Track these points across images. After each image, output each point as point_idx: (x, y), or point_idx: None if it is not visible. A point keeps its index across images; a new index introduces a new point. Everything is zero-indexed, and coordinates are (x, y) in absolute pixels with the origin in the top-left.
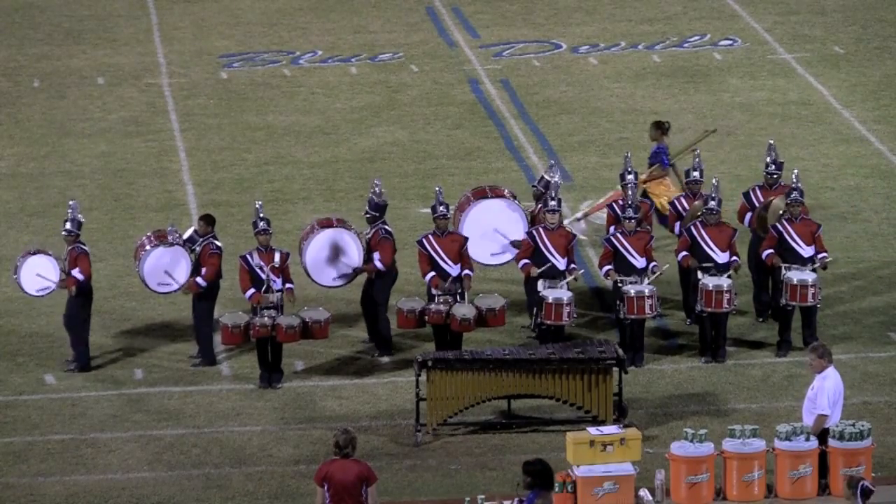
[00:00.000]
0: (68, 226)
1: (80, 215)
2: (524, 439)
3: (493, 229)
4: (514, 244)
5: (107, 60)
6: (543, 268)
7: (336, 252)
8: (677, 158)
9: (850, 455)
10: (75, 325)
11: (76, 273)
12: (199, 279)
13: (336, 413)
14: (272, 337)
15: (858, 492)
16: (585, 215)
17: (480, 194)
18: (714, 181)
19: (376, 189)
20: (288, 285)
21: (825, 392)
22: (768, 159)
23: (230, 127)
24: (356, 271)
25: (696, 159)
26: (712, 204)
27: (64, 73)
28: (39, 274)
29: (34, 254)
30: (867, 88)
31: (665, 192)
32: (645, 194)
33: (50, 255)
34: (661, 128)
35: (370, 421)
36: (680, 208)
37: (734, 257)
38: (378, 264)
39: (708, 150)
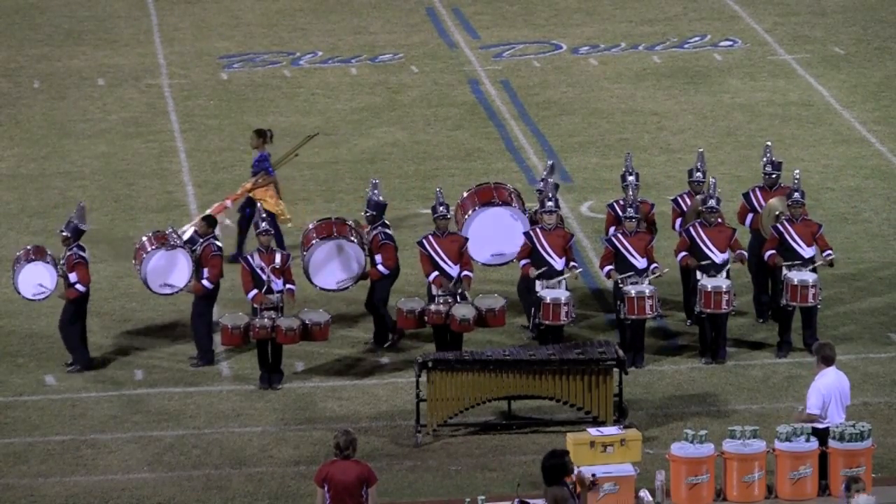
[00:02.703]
0: (65, 231)
1: (85, 221)
2: (524, 440)
3: (492, 254)
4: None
5: (107, 61)
6: (542, 269)
7: (339, 257)
8: (280, 165)
9: (851, 456)
10: (69, 328)
11: (76, 284)
12: (204, 281)
13: (336, 414)
14: (272, 338)
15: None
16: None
17: (486, 197)
18: (712, 180)
19: (375, 185)
20: (289, 286)
21: (815, 390)
22: (764, 160)
23: (230, 128)
24: (359, 277)
25: (700, 161)
26: (711, 203)
27: (64, 73)
28: (38, 282)
29: (32, 261)
30: (867, 89)
31: (273, 200)
32: (251, 202)
33: (48, 262)
34: (262, 135)
35: (370, 422)
36: (683, 206)
37: (739, 250)
38: (381, 269)
39: (708, 150)
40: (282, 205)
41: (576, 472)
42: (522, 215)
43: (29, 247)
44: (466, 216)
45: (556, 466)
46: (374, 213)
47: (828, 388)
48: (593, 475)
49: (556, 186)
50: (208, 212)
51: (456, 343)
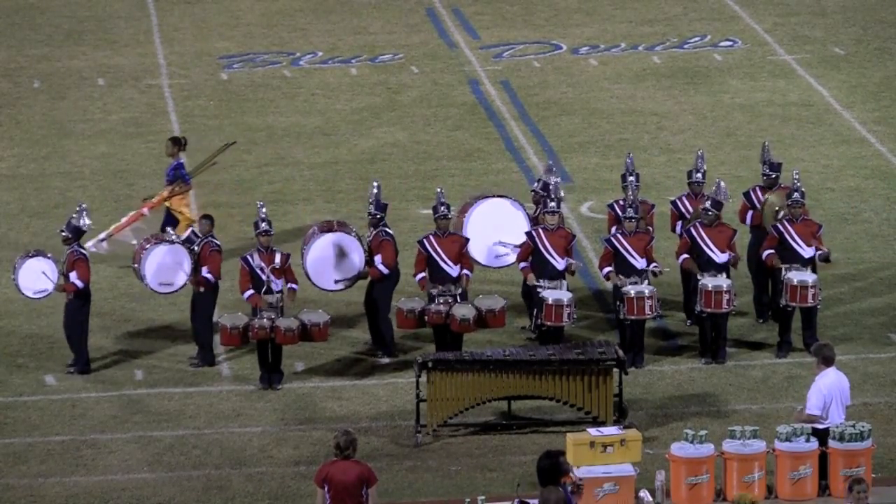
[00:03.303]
0: (65, 231)
1: (84, 220)
2: (524, 440)
3: (496, 241)
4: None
5: (107, 61)
6: (540, 282)
7: (339, 254)
8: (198, 174)
9: (850, 456)
10: (72, 328)
11: (75, 279)
12: (206, 274)
13: (336, 414)
14: (271, 339)
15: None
16: (109, 235)
17: (483, 197)
18: (721, 183)
19: (378, 191)
20: (291, 286)
21: (816, 391)
22: (762, 161)
23: (230, 128)
24: (358, 276)
25: (699, 161)
26: (707, 204)
27: (64, 74)
28: (40, 273)
29: (33, 256)
30: (867, 89)
31: (189, 209)
32: (169, 213)
33: (49, 257)
34: (178, 143)
35: (370, 422)
36: (682, 208)
37: (732, 254)
38: (381, 267)
39: (708, 150)
40: (187, 213)
41: (574, 472)
42: (521, 206)
43: (28, 250)
44: (466, 213)
45: (550, 467)
46: (382, 214)
47: (829, 389)
48: (579, 479)
49: (546, 186)
50: (124, 220)
51: (456, 343)
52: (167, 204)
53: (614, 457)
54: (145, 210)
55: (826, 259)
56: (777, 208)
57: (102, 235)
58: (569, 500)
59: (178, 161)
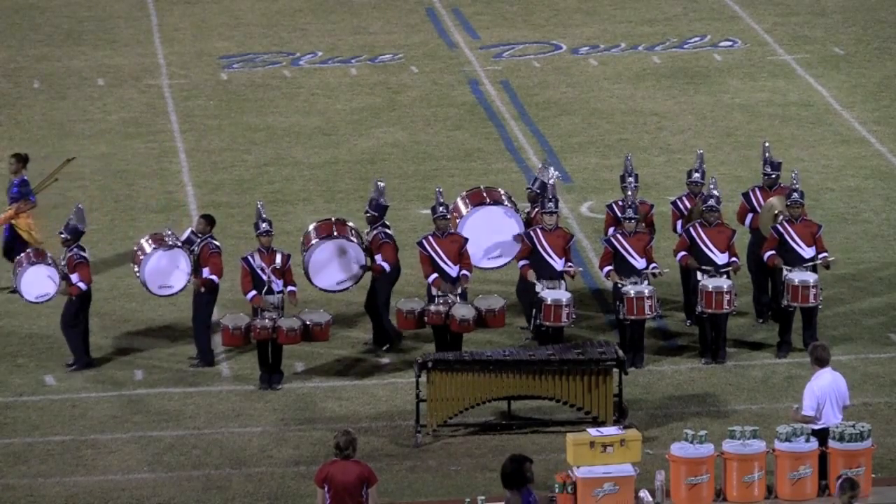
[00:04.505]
0: (64, 233)
1: (82, 223)
2: (524, 440)
3: (492, 244)
4: (516, 238)
5: (107, 61)
6: (540, 282)
7: (340, 256)
8: (41, 190)
9: (850, 456)
10: (71, 327)
11: (78, 281)
12: (210, 275)
13: (336, 414)
14: (273, 339)
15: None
16: None
17: (477, 199)
18: (711, 179)
19: (379, 187)
20: (290, 288)
21: (810, 392)
22: (763, 161)
23: (230, 128)
24: (361, 272)
25: (699, 161)
26: (711, 202)
27: (64, 74)
28: (42, 285)
29: (34, 263)
30: (867, 89)
31: (33, 226)
32: (11, 231)
33: (50, 263)
34: (21, 160)
35: (370, 422)
36: (682, 207)
37: (733, 258)
38: (383, 264)
39: (708, 151)
40: (36, 236)
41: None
42: (515, 213)
43: (29, 250)
44: (459, 220)
45: (513, 472)
46: (376, 214)
47: (822, 390)
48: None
49: (544, 185)
50: None
51: (456, 343)
52: (13, 222)
53: (614, 457)
54: None
55: (827, 266)
56: (777, 212)
57: None
58: None
59: (23, 178)
